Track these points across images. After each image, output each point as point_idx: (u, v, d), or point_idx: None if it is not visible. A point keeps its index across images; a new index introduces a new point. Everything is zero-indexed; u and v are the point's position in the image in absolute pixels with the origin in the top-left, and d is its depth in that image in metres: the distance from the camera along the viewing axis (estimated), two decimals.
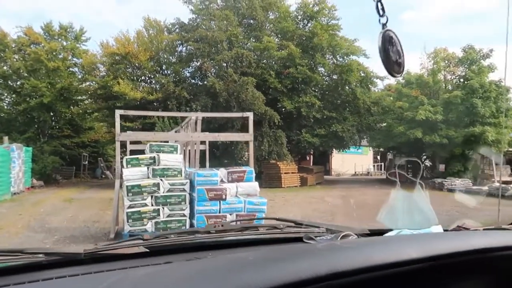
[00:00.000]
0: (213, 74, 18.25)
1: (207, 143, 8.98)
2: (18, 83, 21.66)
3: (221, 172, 6.93)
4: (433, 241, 0.95)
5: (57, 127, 23.84)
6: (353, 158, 31.42)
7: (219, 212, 6.49)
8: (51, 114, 22.82)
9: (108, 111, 20.25)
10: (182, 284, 0.71)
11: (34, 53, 20.94)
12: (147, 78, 20.35)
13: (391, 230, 1.28)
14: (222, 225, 1.40)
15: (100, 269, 0.97)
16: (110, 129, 21.16)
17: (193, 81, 20.88)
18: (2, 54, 21.23)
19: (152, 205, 6.62)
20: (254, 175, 7.14)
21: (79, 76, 23.56)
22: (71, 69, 23.43)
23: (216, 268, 0.80)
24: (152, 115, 15.02)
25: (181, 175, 7.16)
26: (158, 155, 7.35)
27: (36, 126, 22.56)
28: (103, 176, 27.38)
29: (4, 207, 11.07)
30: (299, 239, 1.21)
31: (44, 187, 18.29)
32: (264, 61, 20.52)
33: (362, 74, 21.54)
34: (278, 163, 18.50)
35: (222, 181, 6.85)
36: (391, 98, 22.31)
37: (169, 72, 20.34)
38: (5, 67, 21.30)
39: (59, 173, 22.60)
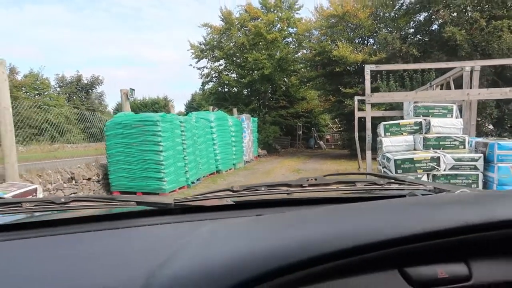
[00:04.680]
0: (449, 24, 14.88)
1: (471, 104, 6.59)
2: (242, 58, 22.99)
3: None
4: None
5: (274, 98, 24.70)
6: None
7: None
8: (270, 85, 23.68)
9: (324, 79, 19.49)
10: (267, 233, 0.68)
11: (254, 27, 21.79)
12: (366, 38, 18.41)
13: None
14: (315, 179, 1.18)
15: (190, 218, 0.97)
16: (328, 97, 20.39)
17: (419, 36, 17.86)
18: (228, 33, 22.91)
19: None
20: None
21: (294, 46, 23.57)
22: (286, 39, 23.63)
23: (304, 219, 0.73)
24: (409, 68, 12.73)
25: (465, 147, 5.17)
26: (426, 119, 5.54)
27: (257, 97, 23.83)
28: (316, 146, 27.45)
29: (241, 176, 11.35)
30: (401, 197, 1.01)
31: (268, 156, 19.02)
32: None
33: None
34: None
35: None
36: None
37: (390, 28, 17.88)
38: (231, 44, 22.94)
39: (278, 143, 23.45)
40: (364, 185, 1.18)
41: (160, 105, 35.28)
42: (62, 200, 0.99)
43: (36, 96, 29.23)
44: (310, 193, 1.14)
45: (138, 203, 1.01)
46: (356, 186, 1.17)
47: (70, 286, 0.63)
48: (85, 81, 34.50)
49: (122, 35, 63.91)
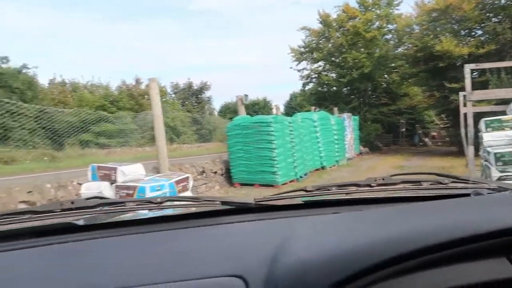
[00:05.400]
0: None
1: None
2: (340, 58, 23.46)
3: None
4: None
5: (375, 96, 24.69)
6: None
7: None
8: (370, 83, 23.76)
9: (427, 74, 19.08)
10: (349, 232, 0.71)
11: (352, 27, 22.16)
12: (473, 29, 17.62)
13: None
14: (383, 179, 1.23)
15: (269, 216, 1.03)
16: (432, 93, 19.91)
17: None
18: (326, 34, 23.59)
19: None
20: None
21: (394, 42, 23.30)
22: (386, 36, 23.48)
23: (382, 217, 0.78)
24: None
25: None
26: None
27: (358, 96, 24.11)
28: (421, 143, 26.60)
29: (345, 172, 12.09)
30: (466, 196, 1.03)
31: (370, 153, 19.30)
32: None
33: None
34: None
35: None
36: None
37: (500, 17, 16.87)
38: (329, 45, 23.58)
39: (380, 140, 23.44)
40: (430, 184, 1.22)
41: (260, 106, 37.13)
42: (158, 200, 1.09)
43: None
44: (378, 193, 1.19)
45: (223, 202, 1.09)
46: (422, 185, 1.21)
47: (197, 274, 0.69)
48: (195, 87, 38.00)
49: (216, 41, 68.28)
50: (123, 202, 1.11)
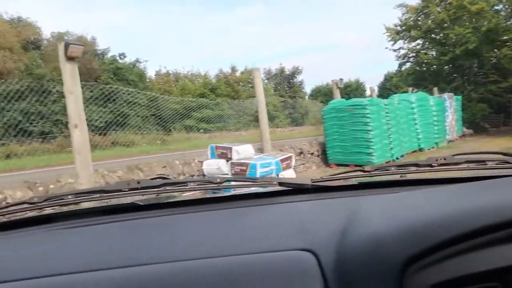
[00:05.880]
0: None
1: None
2: (442, 34, 22.10)
3: None
4: None
5: (481, 73, 22.80)
6: None
7: None
8: (475, 60, 22.03)
9: None
10: (418, 207, 0.69)
11: (456, 0, 20.64)
12: None
13: None
14: (445, 158, 1.18)
15: (326, 197, 1.02)
16: None
17: None
18: (426, 10, 22.31)
19: None
20: None
21: (506, 13, 21.19)
22: (495, 7, 21.44)
23: (449, 194, 0.76)
24: None
25: None
26: None
27: (461, 74, 22.54)
28: None
29: (444, 154, 11.63)
30: None
31: (474, 135, 18.10)
32: None
33: None
34: None
35: None
36: None
37: None
38: (429, 22, 22.31)
39: (487, 121, 21.73)
40: (496, 164, 1.16)
41: (352, 88, 36.42)
42: (218, 180, 1.12)
43: (251, 89, 34.55)
44: (440, 173, 1.14)
45: (280, 183, 1.10)
46: (487, 165, 1.15)
47: (265, 248, 0.69)
48: (287, 72, 38.67)
49: (306, 24, 67.66)
50: (185, 182, 1.14)
